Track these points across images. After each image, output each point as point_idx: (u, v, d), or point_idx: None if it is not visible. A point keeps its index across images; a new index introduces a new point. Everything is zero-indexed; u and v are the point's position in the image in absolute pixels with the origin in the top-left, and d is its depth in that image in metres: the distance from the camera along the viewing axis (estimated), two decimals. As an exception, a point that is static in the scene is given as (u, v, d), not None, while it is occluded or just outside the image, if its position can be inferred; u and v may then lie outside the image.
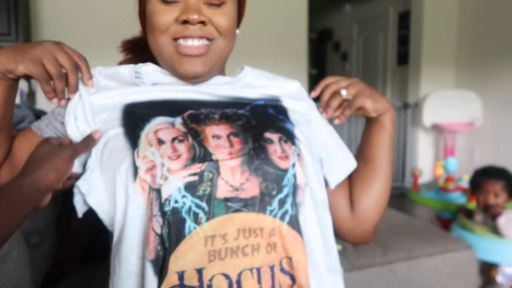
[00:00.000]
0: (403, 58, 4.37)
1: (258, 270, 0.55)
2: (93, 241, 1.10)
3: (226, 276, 0.54)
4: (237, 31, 0.68)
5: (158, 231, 0.54)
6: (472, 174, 2.11)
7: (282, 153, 0.59)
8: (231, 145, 0.58)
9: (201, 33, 0.60)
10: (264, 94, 0.69)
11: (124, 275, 0.57)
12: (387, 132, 0.75)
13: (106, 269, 0.61)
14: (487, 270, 1.89)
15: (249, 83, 0.69)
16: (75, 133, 0.62)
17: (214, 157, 0.56)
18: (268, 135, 0.60)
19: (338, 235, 0.76)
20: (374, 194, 0.74)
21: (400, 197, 3.90)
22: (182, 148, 0.56)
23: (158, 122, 0.59)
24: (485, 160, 3.47)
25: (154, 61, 0.71)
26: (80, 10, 3.42)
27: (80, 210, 0.60)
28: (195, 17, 0.59)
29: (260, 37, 3.75)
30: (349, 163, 0.75)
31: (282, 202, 0.57)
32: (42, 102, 3.38)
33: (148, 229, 0.55)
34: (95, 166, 0.59)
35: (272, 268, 0.56)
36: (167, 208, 0.54)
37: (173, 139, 0.57)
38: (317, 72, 6.05)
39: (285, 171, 0.58)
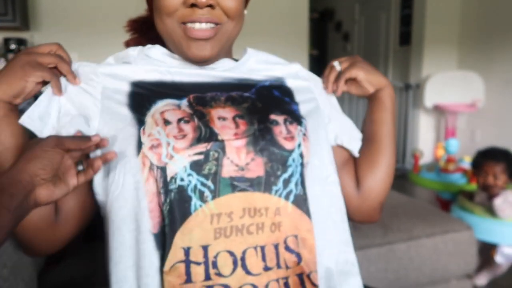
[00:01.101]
0: (405, 38, 4.31)
1: (263, 248, 0.56)
2: (94, 221, 1.10)
3: (231, 253, 0.54)
4: (245, 11, 0.68)
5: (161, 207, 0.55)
6: (474, 154, 2.11)
7: (287, 134, 0.60)
8: (237, 126, 0.59)
9: (209, 17, 0.60)
10: (269, 76, 0.69)
11: (117, 245, 0.57)
12: (387, 110, 0.77)
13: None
14: (486, 250, 1.91)
15: (253, 66, 0.70)
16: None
17: (219, 137, 0.57)
18: (273, 117, 0.61)
19: None
20: (379, 172, 0.75)
21: (401, 178, 3.91)
22: (188, 128, 0.57)
23: (165, 104, 0.59)
24: (486, 141, 3.46)
25: (161, 40, 0.71)
26: (77, -10, 3.37)
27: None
28: (203, 0, 0.58)
29: (261, 17, 3.69)
30: (358, 134, 0.79)
31: (286, 182, 0.58)
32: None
33: (155, 205, 0.55)
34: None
35: (276, 246, 0.57)
36: (173, 186, 0.54)
37: (179, 120, 0.57)
38: (318, 53, 5.99)
39: (291, 151, 0.59)
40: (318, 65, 6.14)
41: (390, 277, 1.30)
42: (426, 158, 3.90)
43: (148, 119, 0.57)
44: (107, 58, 0.67)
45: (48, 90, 0.62)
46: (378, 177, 0.75)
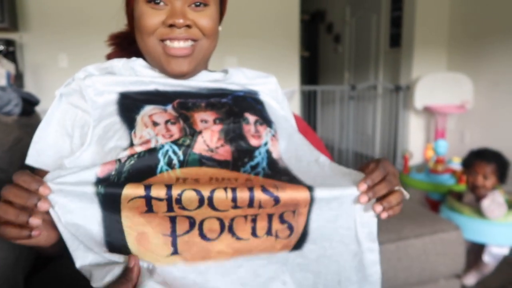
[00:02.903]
0: (395, 40, 4.35)
1: (234, 189, 0.55)
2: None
3: (197, 192, 0.54)
4: (220, 28, 0.74)
5: (121, 160, 0.56)
6: (466, 154, 2.13)
7: (255, 132, 0.65)
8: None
9: (186, 36, 0.66)
10: (244, 88, 0.74)
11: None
12: None
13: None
14: (475, 250, 1.93)
15: (231, 81, 0.75)
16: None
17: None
18: (247, 115, 0.66)
19: None
20: None
21: (391, 179, 3.94)
22: (174, 128, 0.61)
23: (152, 108, 0.64)
24: (475, 142, 3.50)
25: (141, 55, 0.75)
26: (67, -10, 3.34)
27: None
28: (180, 21, 0.64)
29: (252, 19, 3.70)
30: None
31: (253, 168, 0.61)
32: (30, 85, 3.32)
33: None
34: (88, 146, 0.61)
35: (251, 189, 0.56)
36: (144, 148, 0.58)
37: (166, 121, 0.62)
38: (309, 55, 6.01)
39: (257, 147, 0.63)
40: (310, 66, 6.16)
41: (380, 277, 1.31)
42: (416, 159, 3.94)
43: (138, 122, 0.62)
44: (87, 67, 0.70)
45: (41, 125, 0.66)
46: None
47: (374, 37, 4.77)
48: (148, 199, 0.53)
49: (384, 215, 0.62)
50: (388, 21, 4.48)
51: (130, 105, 0.65)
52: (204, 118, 0.64)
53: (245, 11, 3.56)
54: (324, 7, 5.82)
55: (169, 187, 0.53)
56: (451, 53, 4.02)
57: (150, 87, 0.68)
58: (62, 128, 0.66)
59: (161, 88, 0.69)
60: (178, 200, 0.54)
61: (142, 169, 0.56)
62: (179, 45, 0.66)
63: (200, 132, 0.61)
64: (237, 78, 0.76)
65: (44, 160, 0.65)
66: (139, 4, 0.67)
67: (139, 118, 0.62)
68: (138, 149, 0.58)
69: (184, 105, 0.66)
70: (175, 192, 0.53)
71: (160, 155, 0.57)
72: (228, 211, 0.56)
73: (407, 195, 0.64)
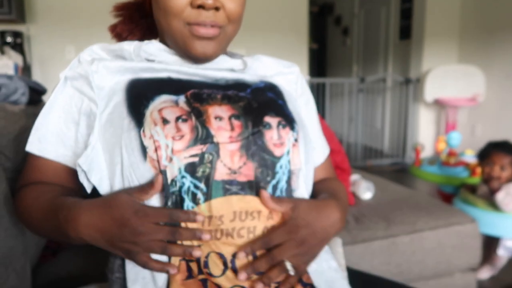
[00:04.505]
0: (405, 32, 4.28)
1: (254, 252, 0.56)
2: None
3: (221, 255, 0.55)
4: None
5: None
6: (484, 144, 2.10)
7: (278, 139, 0.60)
8: (232, 128, 0.58)
9: (213, 21, 0.61)
10: (263, 79, 0.70)
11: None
12: None
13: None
14: (489, 244, 1.90)
15: (250, 71, 0.70)
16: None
17: (215, 140, 0.57)
18: (267, 119, 0.61)
19: None
20: None
21: (401, 172, 3.90)
22: (185, 128, 0.56)
23: (162, 100, 0.59)
24: (487, 135, 3.44)
25: (154, 31, 0.71)
26: (74, -18, 3.33)
27: (88, 186, 0.59)
28: (209, 1, 0.59)
29: (260, 11, 3.66)
30: (325, 149, 0.78)
31: (274, 188, 0.58)
32: (37, 77, 3.32)
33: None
34: (96, 142, 0.59)
35: (269, 250, 0.56)
36: (174, 189, 0.55)
37: (177, 118, 0.57)
38: (317, 47, 5.96)
39: (279, 158, 0.59)
40: (318, 59, 6.11)
41: (393, 270, 1.28)
42: (425, 152, 3.89)
43: (147, 118, 0.57)
44: (94, 47, 0.65)
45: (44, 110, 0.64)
46: None
47: (383, 30, 4.71)
48: (186, 261, 0.55)
49: None
50: (398, 13, 4.42)
51: (139, 96, 0.59)
52: (219, 115, 0.59)
53: (254, 3, 3.52)
54: (332, -1, 5.76)
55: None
56: (462, 45, 3.95)
57: (163, 75, 0.63)
58: (67, 114, 0.62)
59: (174, 76, 0.64)
60: (206, 263, 0.55)
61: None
62: (205, 28, 0.61)
63: (213, 142, 0.56)
64: (257, 68, 0.71)
65: (46, 148, 0.62)
66: None
67: (148, 114, 0.57)
68: (154, 156, 0.55)
69: (198, 96, 0.61)
70: (203, 254, 0.55)
71: (183, 193, 0.54)
72: (252, 277, 0.56)
73: (291, 271, 0.55)
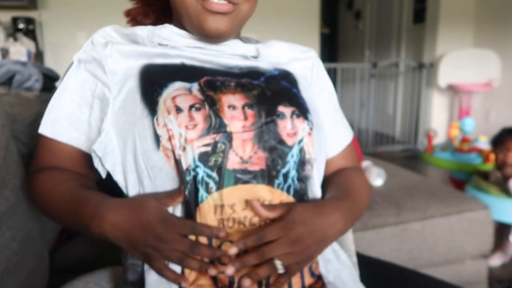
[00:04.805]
0: (419, 15, 4.19)
1: None
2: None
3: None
4: None
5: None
6: (499, 131, 2.07)
7: (291, 129, 0.60)
8: (245, 117, 0.58)
9: None
10: (277, 67, 0.68)
11: None
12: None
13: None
14: (501, 231, 1.88)
15: (264, 58, 0.68)
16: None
17: (228, 129, 0.56)
18: (281, 108, 0.61)
19: None
20: None
21: (413, 159, 3.87)
22: (198, 117, 0.56)
23: (176, 88, 0.59)
24: (501, 122, 3.38)
25: (168, 12, 0.69)
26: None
27: (102, 171, 0.60)
28: None
29: (271, -6, 3.61)
30: (344, 138, 0.75)
31: (285, 177, 0.58)
32: (49, 62, 3.35)
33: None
34: (110, 128, 0.59)
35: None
36: (188, 178, 0.55)
37: (191, 107, 0.57)
38: (329, 31, 5.88)
39: (291, 147, 0.59)
40: (330, 44, 6.04)
41: (404, 257, 1.29)
42: (438, 139, 3.85)
43: (160, 106, 0.57)
44: (107, 29, 0.64)
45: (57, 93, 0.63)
46: None
47: (396, 13, 4.62)
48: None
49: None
50: (412, -5, 4.32)
51: (152, 83, 0.59)
52: (232, 103, 0.58)
53: (264, -13, 3.47)
54: (344, -18, 5.66)
55: (209, 239, 0.55)
56: (478, 29, 3.86)
57: (176, 61, 0.63)
58: (80, 98, 0.62)
59: (188, 62, 0.63)
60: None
61: (192, 203, 0.55)
62: (218, 1, 0.59)
63: (226, 132, 0.56)
64: (270, 55, 0.69)
65: (58, 131, 0.62)
66: None
67: (161, 101, 0.57)
68: (168, 145, 0.55)
69: (212, 84, 0.60)
70: (215, 244, 0.55)
71: (198, 183, 0.55)
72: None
73: (280, 269, 0.53)
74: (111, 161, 0.58)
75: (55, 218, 0.64)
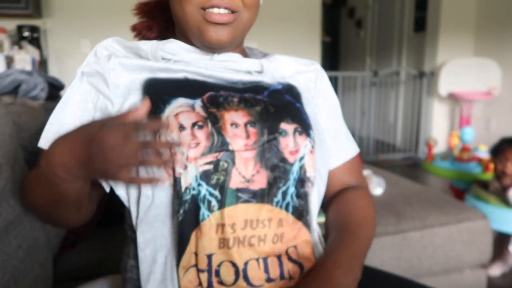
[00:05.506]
0: (420, 24, 4.22)
1: (265, 259, 0.57)
2: (109, 207, 1.11)
3: (233, 264, 0.56)
4: (261, 1, 0.67)
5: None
6: (497, 140, 2.08)
7: (293, 147, 0.60)
8: (248, 136, 0.58)
9: (228, 3, 0.60)
10: (281, 81, 0.68)
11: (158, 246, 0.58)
12: None
13: (122, 234, 0.61)
14: (500, 240, 1.89)
15: (268, 73, 0.68)
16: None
17: (230, 147, 0.57)
18: (284, 125, 0.61)
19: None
20: None
21: (413, 167, 3.88)
22: (201, 135, 0.56)
23: (179, 104, 0.58)
24: (502, 130, 3.40)
25: (171, 25, 0.70)
26: (89, -24, 3.36)
27: (106, 185, 0.60)
28: None
29: (273, 4, 3.64)
30: (347, 151, 0.74)
31: (284, 194, 0.59)
32: (54, 70, 3.38)
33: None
34: None
35: (279, 257, 0.58)
36: (187, 197, 0.55)
37: (193, 124, 0.57)
38: (330, 40, 5.92)
39: (292, 164, 0.60)
40: (331, 52, 6.07)
41: (403, 266, 1.29)
42: (439, 147, 3.85)
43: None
44: (110, 41, 0.64)
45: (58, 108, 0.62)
46: None
47: (397, 22, 4.65)
48: (197, 270, 0.55)
49: None
50: (412, 5, 4.35)
51: (155, 99, 0.58)
52: (235, 121, 0.59)
53: (266, -4, 3.51)
54: (346, -9, 5.70)
55: (209, 257, 0.55)
56: (478, 38, 3.89)
57: (179, 75, 0.62)
58: (82, 111, 0.61)
59: (191, 76, 0.63)
60: (217, 272, 0.55)
61: (191, 220, 0.55)
62: (219, 11, 0.60)
63: (228, 150, 0.56)
64: (274, 69, 0.68)
65: None
66: None
67: (164, 118, 0.57)
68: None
69: (215, 100, 0.60)
70: (214, 263, 0.55)
71: (199, 201, 0.55)
72: (263, 286, 0.57)
73: None
74: None
75: (40, 210, 0.61)
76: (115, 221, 1.08)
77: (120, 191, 0.60)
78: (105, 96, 0.60)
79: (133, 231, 0.60)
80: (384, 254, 1.27)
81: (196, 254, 0.55)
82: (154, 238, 0.58)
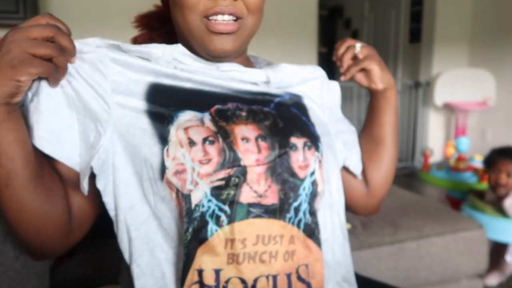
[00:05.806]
0: (415, 35, 4.27)
1: (275, 277, 0.55)
2: (102, 219, 1.11)
3: (242, 280, 0.54)
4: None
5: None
6: (489, 152, 2.09)
7: (303, 161, 0.59)
8: (259, 150, 0.57)
9: (231, 9, 0.58)
10: (287, 91, 0.68)
11: (155, 261, 0.57)
12: (394, 110, 0.80)
13: (116, 246, 0.61)
14: (497, 250, 1.89)
15: (274, 84, 0.66)
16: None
17: (242, 163, 0.55)
18: (293, 140, 0.60)
19: (353, 211, 0.80)
20: (385, 169, 0.79)
21: (409, 177, 3.89)
22: (213, 151, 0.55)
23: (187, 118, 0.57)
24: (497, 140, 3.42)
25: (173, 36, 0.69)
26: (87, -13, 3.39)
27: (86, 185, 0.56)
28: None
29: (269, 14, 3.67)
30: (358, 151, 0.78)
31: (296, 210, 0.57)
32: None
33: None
34: (109, 144, 0.56)
35: (289, 276, 0.56)
36: (196, 214, 0.53)
37: (204, 140, 0.55)
38: (327, 51, 5.96)
39: (303, 180, 0.59)
40: (327, 63, 6.11)
41: (400, 276, 1.30)
42: (435, 157, 3.87)
43: (172, 137, 0.55)
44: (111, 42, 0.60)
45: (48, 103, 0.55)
46: (384, 174, 0.79)
47: (393, 33, 4.70)
48: (201, 286, 0.53)
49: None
50: (408, 16, 4.41)
51: (162, 109, 0.56)
52: (246, 136, 0.57)
53: (264, 7, 3.54)
54: (342, 2, 5.76)
55: (217, 272, 0.53)
56: (473, 49, 3.93)
57: (186, 84, 0.60)
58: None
59: (197, 87, 0.61)
60: None
61: (197, 238, 0.54)
62: (223, 19, 0.58)
63: (240, 166, 0.55)
64: (281, 80, 0.66)
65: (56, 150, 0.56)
66: None
67: (172, 131, 0.55)
68: (173, 180, 0.53)
69: (223, 113, 0.58)
70: (222, 279, 0.53)
71: (207, 217, 0.53)
72: None
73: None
74: (103, 181, 0.56)
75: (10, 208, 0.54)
76: (109, 233, 1.08)
77: (108, 197, 0.57)
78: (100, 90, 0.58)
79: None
80: (380, 264, 1.28)
81: (200, 270, 0.53)
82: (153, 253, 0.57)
